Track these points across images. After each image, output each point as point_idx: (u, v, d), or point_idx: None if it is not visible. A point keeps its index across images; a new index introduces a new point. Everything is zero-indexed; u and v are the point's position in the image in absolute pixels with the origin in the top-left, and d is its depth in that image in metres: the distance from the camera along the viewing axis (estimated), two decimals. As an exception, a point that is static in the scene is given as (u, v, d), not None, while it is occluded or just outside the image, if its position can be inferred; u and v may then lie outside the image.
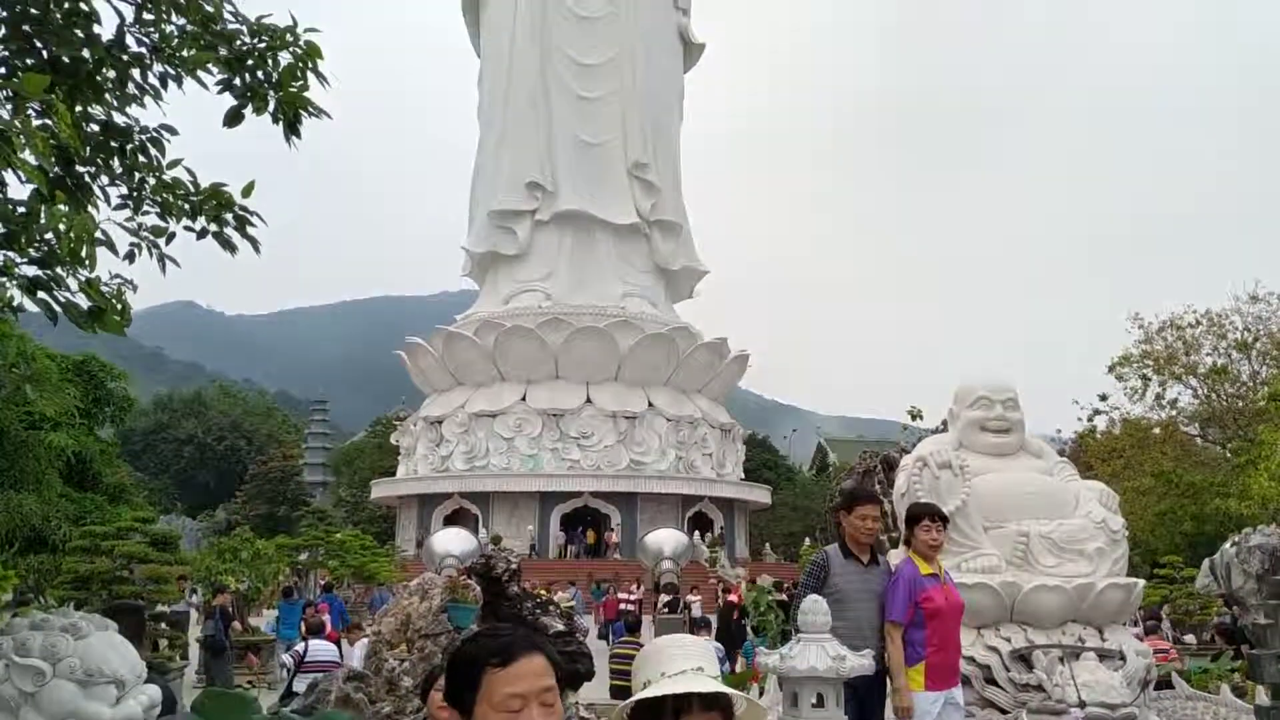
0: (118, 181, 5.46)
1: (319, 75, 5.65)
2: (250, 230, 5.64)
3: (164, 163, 5.50)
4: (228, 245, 5.57)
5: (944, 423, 12.06)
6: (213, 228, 5.55)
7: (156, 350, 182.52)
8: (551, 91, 55.42)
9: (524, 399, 51.27)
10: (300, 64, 5.53)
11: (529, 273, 55.54)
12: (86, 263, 4.49)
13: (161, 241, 5.34)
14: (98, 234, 4.56)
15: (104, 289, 4.76)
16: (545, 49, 55.45)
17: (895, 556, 7.36)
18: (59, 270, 4.58)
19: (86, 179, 5.22)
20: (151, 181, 5.49)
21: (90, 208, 5.11)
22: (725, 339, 56.24)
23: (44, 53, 5.02)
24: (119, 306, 4.83)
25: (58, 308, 4.64)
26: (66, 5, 5.09)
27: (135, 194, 5.46)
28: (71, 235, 4.29)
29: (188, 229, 5.55)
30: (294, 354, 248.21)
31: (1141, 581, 9.05)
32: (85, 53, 5.05)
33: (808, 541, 50.74)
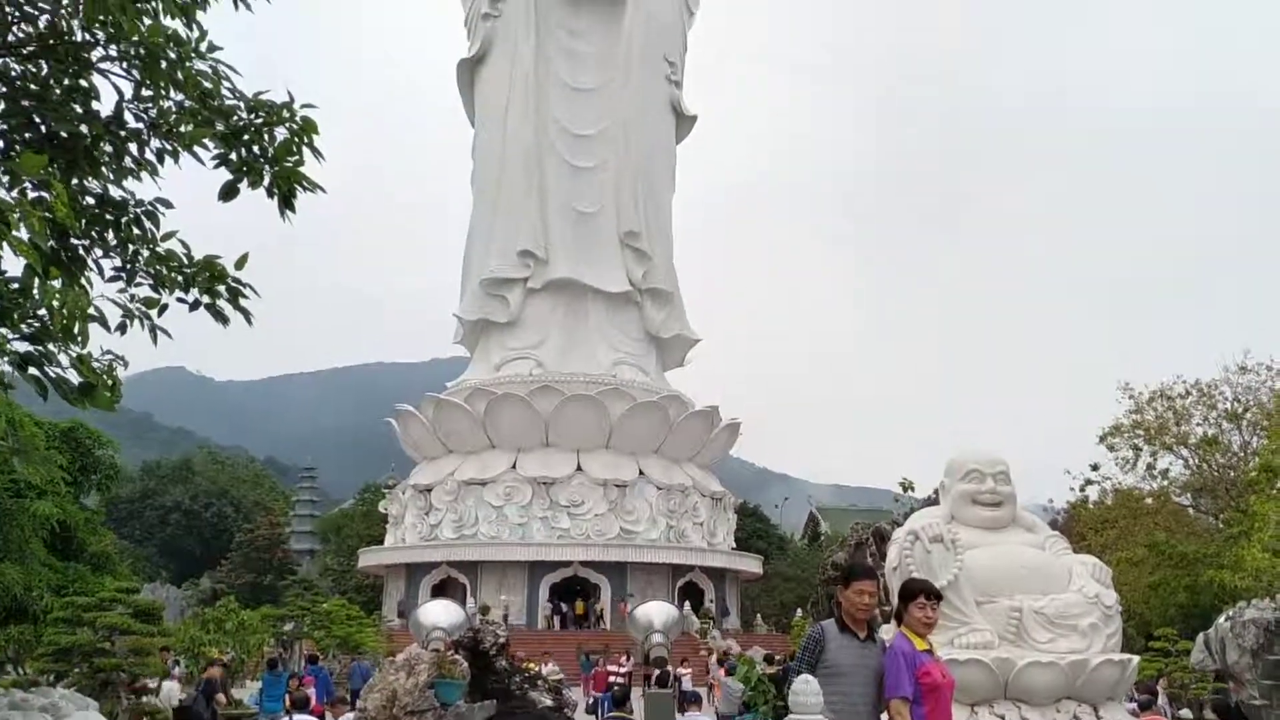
0: (112, 254, 5.49)
1: (314, 150, 5.73)
2: (243, 301, 5.68)
3: (158, 235, 5.54)
4: (220, 317, 5.59)
5: (935, 493, 12.02)
6: (205, 299, 5.57)
7: (145, 416, 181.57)
8: (545, 161, 56.10)
9: (514, 467, 51.02)
10: (296, 139, 5.61)
11: (520, 340, 55.69)
12: (79, 339, 4.49)
13: (154, 313, 5.35)
14: (90, 310, 4.57)
15: (95, 364, 4.75)
16: (539, 119, 56.23)
17: (886, 632, 7.29)
18: (51, 346, 4.57)
19: (81, 252, 5.25)
20: (145, 254, 5.53)
21: (83, 281, 5.12)
22: (716, 407, 56.20)
23: (43, 128, 5.07)
24: (110, 383, 4.82)
25: (48, 383, 4.62)
26: (66, 82, 5.16)
27: (129, 266, 5.49)
28: (64, 312, 4.29)
29: (180, 300, 5.57)
30: (283, 420, 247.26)
31: (1136, 658, 8.96)
32: (83, 128, 5.11)
33: (799, 613, 50.22)
